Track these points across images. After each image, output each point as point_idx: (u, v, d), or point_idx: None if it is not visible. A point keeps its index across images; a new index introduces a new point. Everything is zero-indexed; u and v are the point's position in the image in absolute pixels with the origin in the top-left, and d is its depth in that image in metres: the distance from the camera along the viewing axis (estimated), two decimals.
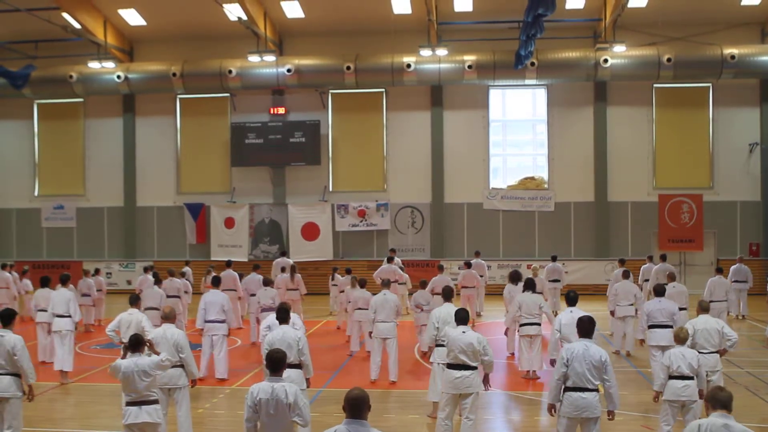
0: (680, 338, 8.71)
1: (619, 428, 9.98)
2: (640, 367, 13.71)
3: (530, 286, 13.19)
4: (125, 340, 10.67)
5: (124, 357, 7.72)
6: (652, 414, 10.09)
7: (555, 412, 7.70)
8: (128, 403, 7.41)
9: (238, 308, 19.08)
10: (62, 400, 11.97)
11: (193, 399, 9.79)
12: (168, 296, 15.76)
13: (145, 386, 7.47)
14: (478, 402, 8.89)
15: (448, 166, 25.93)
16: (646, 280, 19.85)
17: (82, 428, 10.28)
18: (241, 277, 18.90)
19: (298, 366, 8.65)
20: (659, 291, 12.00)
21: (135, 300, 11.17)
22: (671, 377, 8.45)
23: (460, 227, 26.05)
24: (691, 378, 8.35)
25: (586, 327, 7.75)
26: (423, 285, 15.16)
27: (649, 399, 9.97)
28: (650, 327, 11.55)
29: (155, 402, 7.47)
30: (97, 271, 20.07)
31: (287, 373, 8.44)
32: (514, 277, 14.95)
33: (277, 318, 9.00)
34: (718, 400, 5.61)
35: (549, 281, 19.96)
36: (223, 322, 12.84)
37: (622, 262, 19.57)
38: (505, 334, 15.14)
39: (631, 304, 14.95)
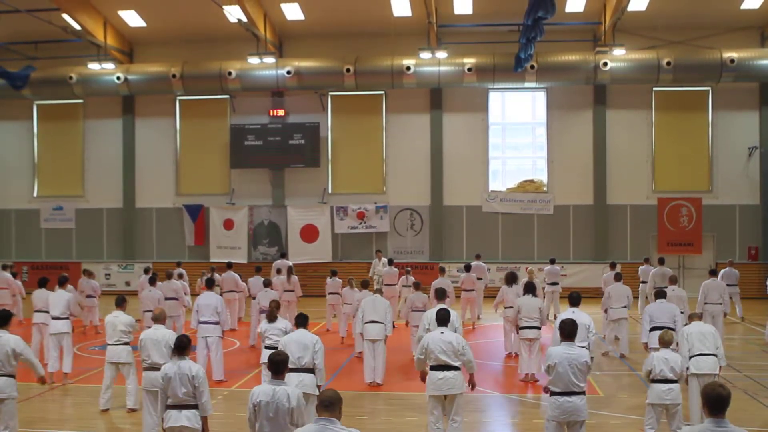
0: (664, 341, 8.70)
1: None
2: (637, 370, 13.68)
3: (530, 289, 13.16)
4: (110, 341, 10.81)
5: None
6: None
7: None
8: (168, 407, 7.39)
9: (236, 309, 19.10)
10: (59, 401, 11.95)
11: None
12: (166, 298, 15.77)
13: (185, 393, 7.38)
14: (462, 403, 8.82)
15: (447, 168, 25.93)
16: (643, 282, 19.85)
17: (78, 429, 10.27)
18: (240, 278, 18.95)
19: (312, 371, 8.64)
20: (661, 294, 12.03)
21: (121, 302, 11.20)
22: (654, 381, 8.43)
23: (459, 230, 26.04)
24: (675, 381, 8.34)
25: (569, 330, 7.74)
26: (417, 287, 15.15)
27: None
28: (652, 329, 11.52)
29: (194, 407, 7.41)
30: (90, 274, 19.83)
31: (301, 377, 8.48)
32: (510, 279, 14.93)
33: (296, 323, 9.12)
34: (714, 403, 4.98)
35: (547, 284, 19.96)
36: (217, 323, 12.81)
37: (613, 265, 19.54)
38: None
39: (624, 306, 14.95)
